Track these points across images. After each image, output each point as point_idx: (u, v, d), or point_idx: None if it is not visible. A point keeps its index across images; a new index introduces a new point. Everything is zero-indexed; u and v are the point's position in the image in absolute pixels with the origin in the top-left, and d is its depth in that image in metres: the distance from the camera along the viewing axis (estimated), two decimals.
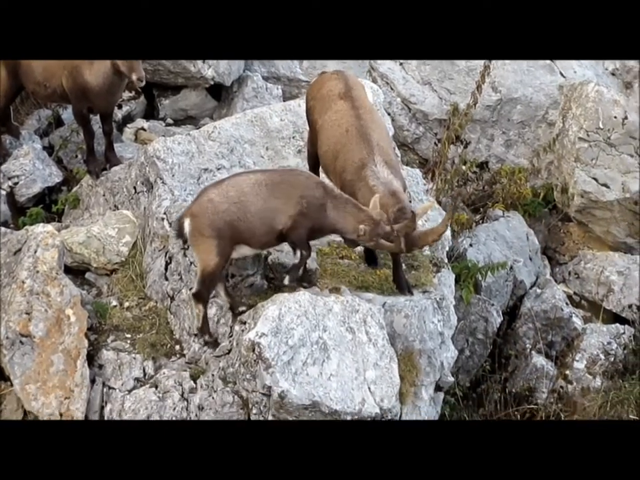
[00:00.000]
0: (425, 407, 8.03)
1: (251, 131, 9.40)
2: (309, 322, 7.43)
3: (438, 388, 8.32)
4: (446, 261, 8.97)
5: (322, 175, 8.49)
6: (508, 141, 11.83)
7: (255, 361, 7.30)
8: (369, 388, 7.44)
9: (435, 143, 11.69)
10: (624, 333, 10.10)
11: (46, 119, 10.81)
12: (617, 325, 10.28)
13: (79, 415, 7.73)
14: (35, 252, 8.03)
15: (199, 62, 11.21)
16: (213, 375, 7.68)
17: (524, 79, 11.72)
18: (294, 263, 7.75)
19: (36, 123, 10.78)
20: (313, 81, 8.75)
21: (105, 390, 7.89)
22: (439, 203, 9.50)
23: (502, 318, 9.89)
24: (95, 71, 9.19)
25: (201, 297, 7.71)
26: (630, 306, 10.62)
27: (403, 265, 8.37)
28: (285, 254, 8.10)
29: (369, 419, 7.31)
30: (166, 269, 8.39)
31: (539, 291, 10.33)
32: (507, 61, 11.62)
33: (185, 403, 7.62)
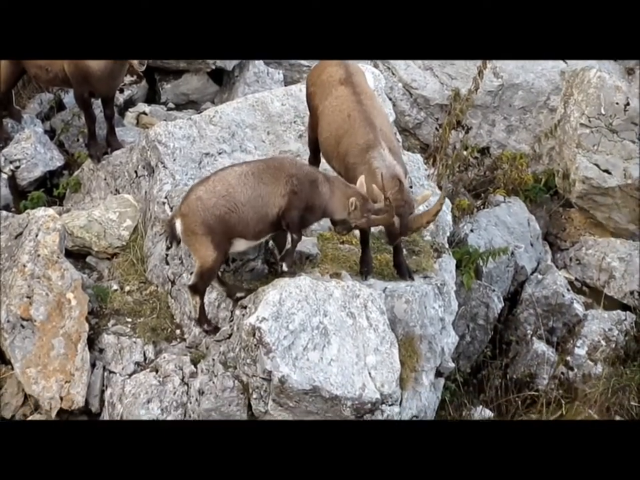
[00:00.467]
0: (426, 393, 8.05)
1: (252, 115, 9.38)
2: (310, 307, 7.43)
3: (438, 373, 8.33)
4: (447, 246, 8.96)
5: (322, 161, 8.49)
6: (509, 127, 11.81)
7: (255, 345, 7.30)
8: (370, 373, 7.44)
9: (436, 128, 11.68)
10: (625, 320, 10.09)
11: (47, 103, 10.81)
12: (618, 311, 10.27)
13: (79, 399, 7.77)
14: (36, 236, 8.04)
15: None
16: (213, 360, 7.69)
17: (525, 64, 11.70)
18: (286, 248, 7.76)
19: (37, 107, 10.77)
20: (313, 67, 8.73)
21: (105, 374, 7.92)
22: (440, 188, 9.46)
23: (503, 304, 9.87)
24: None
25: (198, 290, 7.72)
26: (631, 292, 10.62)
27: (404, 250, 8.37)
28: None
29: (369, 404, 7.32)
30: (167, 253, 8.39)
31: (540, 276, 10.31)
32: None
33: (186, 387, 7.63)
